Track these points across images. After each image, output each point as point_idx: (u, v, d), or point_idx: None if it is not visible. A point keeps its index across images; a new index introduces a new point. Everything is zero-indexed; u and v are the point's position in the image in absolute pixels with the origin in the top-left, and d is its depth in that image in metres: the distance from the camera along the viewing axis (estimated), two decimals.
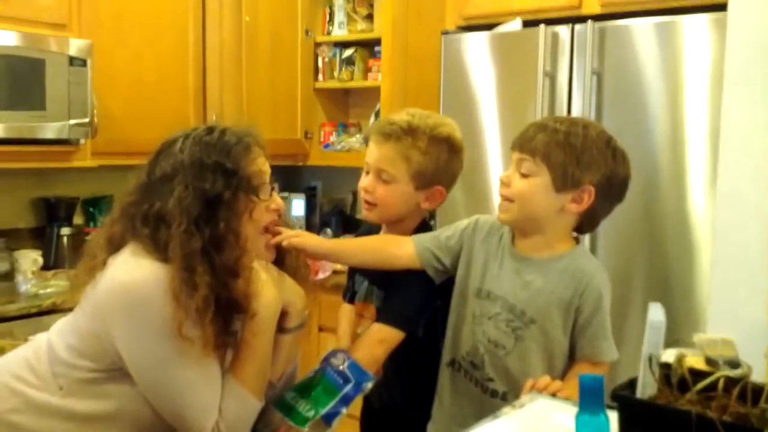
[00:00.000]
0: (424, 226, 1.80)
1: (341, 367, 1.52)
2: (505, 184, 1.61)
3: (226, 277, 1.38)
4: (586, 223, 1.65)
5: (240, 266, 1.40)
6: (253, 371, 1.42)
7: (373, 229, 1.86)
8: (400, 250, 1.70)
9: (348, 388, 1.48)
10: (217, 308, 1.36)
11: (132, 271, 1.37)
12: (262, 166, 1.49)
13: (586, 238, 2.42)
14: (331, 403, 1.46)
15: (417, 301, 1.67)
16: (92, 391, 1.42)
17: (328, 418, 1.45)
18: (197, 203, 1.38)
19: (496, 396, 1.61)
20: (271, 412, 1.48)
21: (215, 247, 1.38)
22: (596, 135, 1.58)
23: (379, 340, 1.65)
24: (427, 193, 1.72)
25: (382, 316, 1.68)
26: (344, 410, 1.47)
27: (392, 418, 1.79)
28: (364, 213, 1.78)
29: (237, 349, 1.44)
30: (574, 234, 1.67)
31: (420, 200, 1.73)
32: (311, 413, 1.45)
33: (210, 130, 1.47)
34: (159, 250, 1.39)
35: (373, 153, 1.72)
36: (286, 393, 1.52)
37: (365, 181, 1.74)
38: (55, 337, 1.49)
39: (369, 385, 1.51)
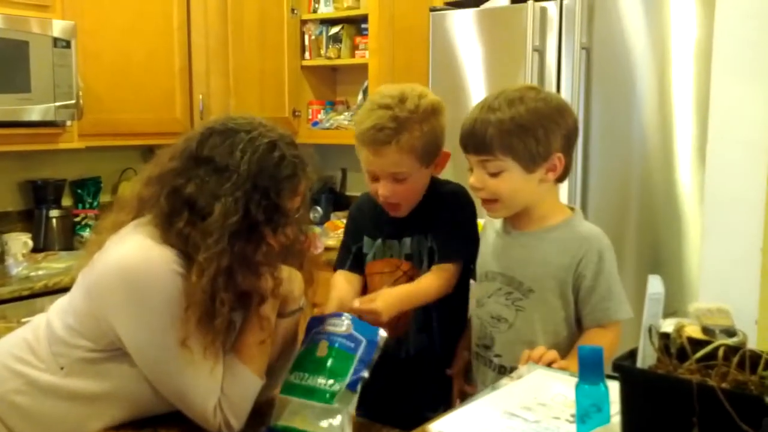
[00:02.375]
0: (432, 184, 1.81)
1: (346, 331, 1.47)
2: (478, 189, 1.61)
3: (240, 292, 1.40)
4: (561, 176, 1.64)
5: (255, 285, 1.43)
6: (254, 351, 1.43)
7: (370, 198, 1.85)
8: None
9: (361, 349, 1.43)
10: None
11: (138, 257, 1.36)
12: (297, 203, 1.48)
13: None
14: (350, 370, 1.40)
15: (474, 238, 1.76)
16: (93, 371, 1.42)
17: (353, 386, 1.40)
18: (239, 224, 1.37)
19: (504, 372, 1.60)
20: (290, 402, 1.42)
21: (239, 265, 1.38)
22: (537, 103, 1.56)
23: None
24: (436, 161, 1.76)
25: (444, 255, 1.75)
26: (365, 374, 1.40)
27: (423, 364, 1.81)
28: (391, 214, 1.79)
29: (239, 329, 1.44)
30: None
31: (432, 172, 1.78)
32: (336, 387, 1.39)
33: (273, 146, 1.43)
34: (172, 234, 1.38)
35: (375, 162, 1.70)
36: (293, 376, 1.46)
37: (382, 189, 1.73)
38: (54, 317, 1.49)
39: (382, 336, 1.45)
